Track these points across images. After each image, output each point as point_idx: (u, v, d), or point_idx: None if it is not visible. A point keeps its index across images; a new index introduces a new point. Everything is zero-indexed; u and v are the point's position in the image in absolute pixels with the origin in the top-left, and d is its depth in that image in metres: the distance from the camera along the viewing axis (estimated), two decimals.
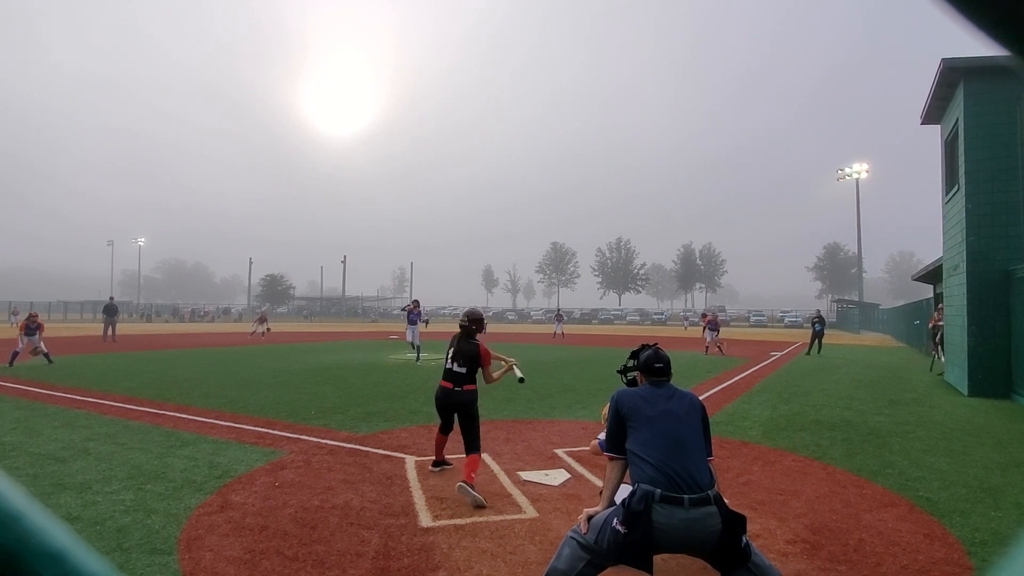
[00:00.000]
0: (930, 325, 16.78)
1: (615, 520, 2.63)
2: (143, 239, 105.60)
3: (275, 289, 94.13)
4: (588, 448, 5.96)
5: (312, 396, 10.05)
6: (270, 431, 7.17)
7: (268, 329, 30.10)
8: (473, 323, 5.24)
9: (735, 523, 2.56)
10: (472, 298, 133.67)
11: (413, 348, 17.89)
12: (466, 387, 5.06)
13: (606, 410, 4.52)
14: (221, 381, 12.02)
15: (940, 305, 16.66)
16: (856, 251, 70.66)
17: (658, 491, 2.57)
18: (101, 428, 7.25)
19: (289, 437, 6.85)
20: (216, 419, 7.91)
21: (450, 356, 5.18)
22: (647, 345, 3.36)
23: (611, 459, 2.92)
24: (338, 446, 6.44)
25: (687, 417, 2.83)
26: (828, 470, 5.72)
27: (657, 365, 3.09)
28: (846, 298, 74.01)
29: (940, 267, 15.39)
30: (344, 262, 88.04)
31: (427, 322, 29.98)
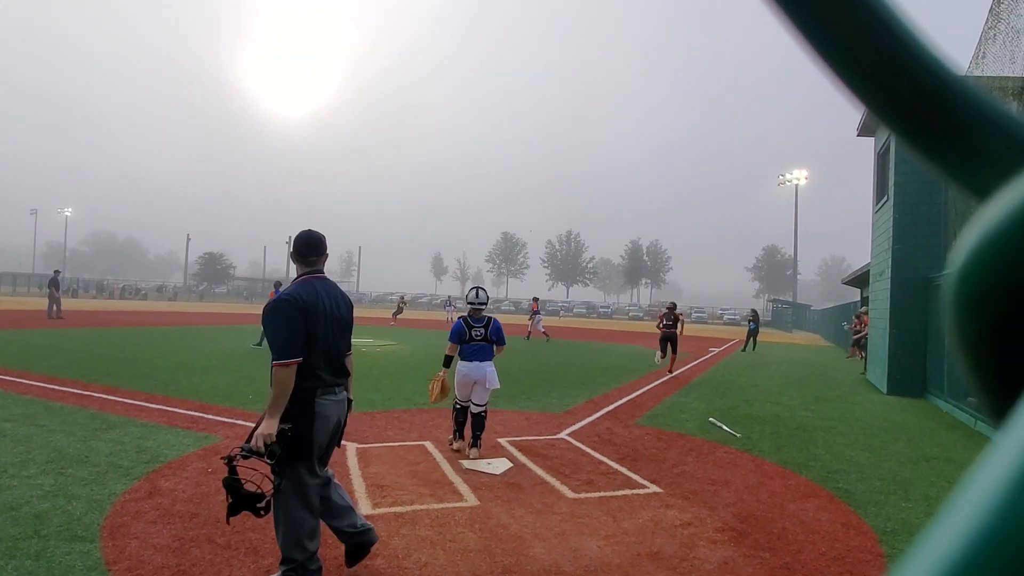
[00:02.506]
0: (850, 328, 17.24)
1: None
2: (69, 209, 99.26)
3: (214, 268, 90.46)
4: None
5: (250, 380, 9.75)
6: (204, 415, 6.91)
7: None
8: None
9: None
10: (421, 285, 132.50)
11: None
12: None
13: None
14: (152, 362, 11.49)
15: (863, 308, 17.53)
16: (792, 254, 74.03)
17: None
18: (19, 408, 6.81)
19: (224, 422, 6.63)
20: (146, 402, 7.56)
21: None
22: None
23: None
24: None
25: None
26: (757, 462, 5.99)
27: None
28: (781, 298, 77.43)
29: (868, 272, 16.32)
30: (289, 243, 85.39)
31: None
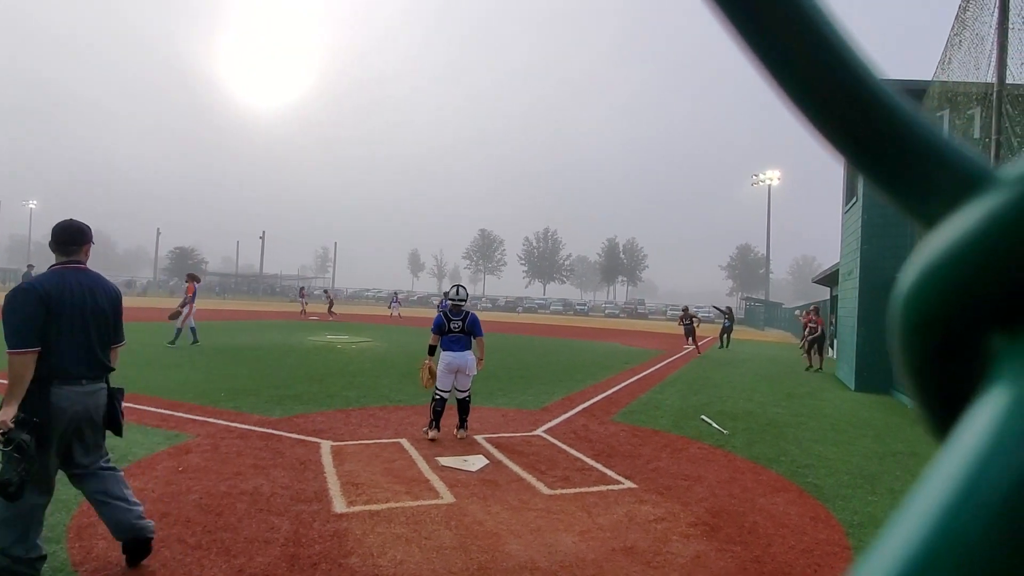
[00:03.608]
0: (804, 326, 16.71)
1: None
2: (34, 202, 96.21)
3: (185, 263, 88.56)
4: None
5: (222, 377, 9.58)
6: (174, 413, 6.78)
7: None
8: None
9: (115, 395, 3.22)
10: (397, 282, 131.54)
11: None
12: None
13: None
14: (120, 359, 11.20)
15: (813, 307, 17.75)
16: (765, 253, 75.40)
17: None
18: None
19: (195, 420, 6.51)
20: None
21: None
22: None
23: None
24: (249, 430, 6.19)
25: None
26: (729, 457, 6.10)
27: None
28: (754, 296, 78.82)
29: (837, 272, 16.69)
30: (263, 238, 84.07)
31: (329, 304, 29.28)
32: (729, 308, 24.64)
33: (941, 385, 0.22)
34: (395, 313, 35.66)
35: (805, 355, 15.97)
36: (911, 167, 0.24)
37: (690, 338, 20.50)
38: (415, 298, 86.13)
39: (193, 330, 14.08)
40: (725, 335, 23.51)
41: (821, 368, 15.53)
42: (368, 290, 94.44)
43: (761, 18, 0.23)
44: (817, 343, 15.89)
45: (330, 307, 32.07)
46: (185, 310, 13.90)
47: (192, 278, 14.50)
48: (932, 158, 0.23)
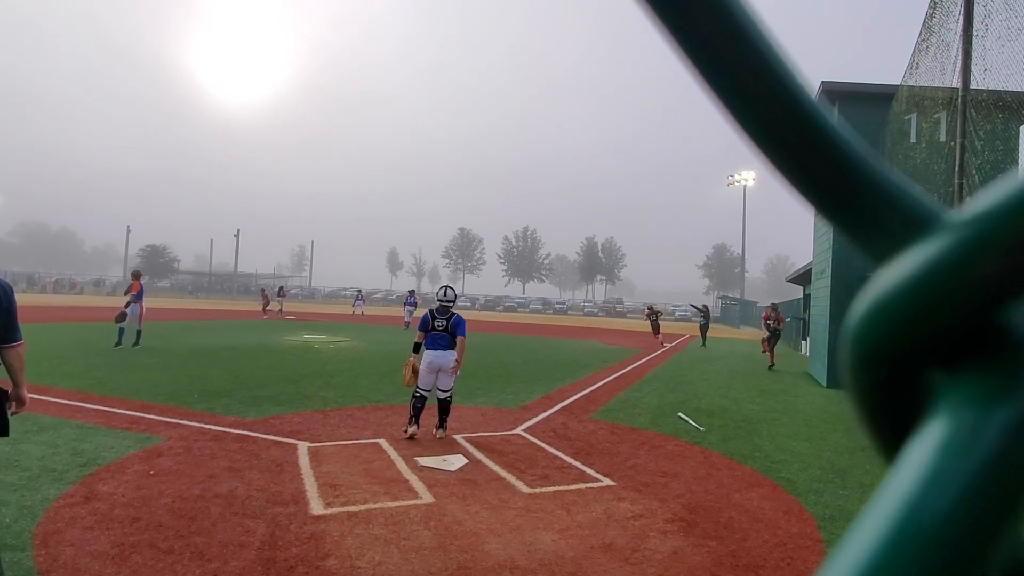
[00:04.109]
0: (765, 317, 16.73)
1: None
2: None
3: (156, 261, 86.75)
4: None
5: (196, 378, 9.42)
6: (145, 415, 6.64)
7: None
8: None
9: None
10: (376, 280, 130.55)
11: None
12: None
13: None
14: (88, 360, 10.95)
15: (772, 304, 17.94)
16: (740, 252, 76.52)
17: None
18: None
19: (167, 422, 6.39)
20: (82, 402, 7.20)
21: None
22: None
23: None
24: (223, 432, 6.09)
25: None
26: (705, 454, 6.19)
27: None
28: (729, 295, 79.98)
29: (810, 270, 17.02)
30: (237, 236, 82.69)
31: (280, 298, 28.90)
32: (705, 306, 24.90)
33: (886, 414, 0.23)
34: (358, 311, 35.32)
35: (768, 353, 15.88)
36: (862, 206, 0.25)
37: (658, 333, 23.30)
38: (393, 297, 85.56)
39: (138, 332, 13.31)
40: (702, 333, 23.78)
41: (773, 364, 15.47)
42: (346, 289, 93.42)
43: (706, 42, 0.24)
44: (773, 340, 15.90)
45: (265, 306, 31.04)
46: (129, 310, 13.19)
47: (136, 276, 13.85)
48: (883, 198, 0.25)
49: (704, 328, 23.75)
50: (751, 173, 65.12)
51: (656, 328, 23.42)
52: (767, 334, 16.04)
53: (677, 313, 77.95)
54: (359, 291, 41.99)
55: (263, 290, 33.16)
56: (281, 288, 33.28)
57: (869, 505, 0.18)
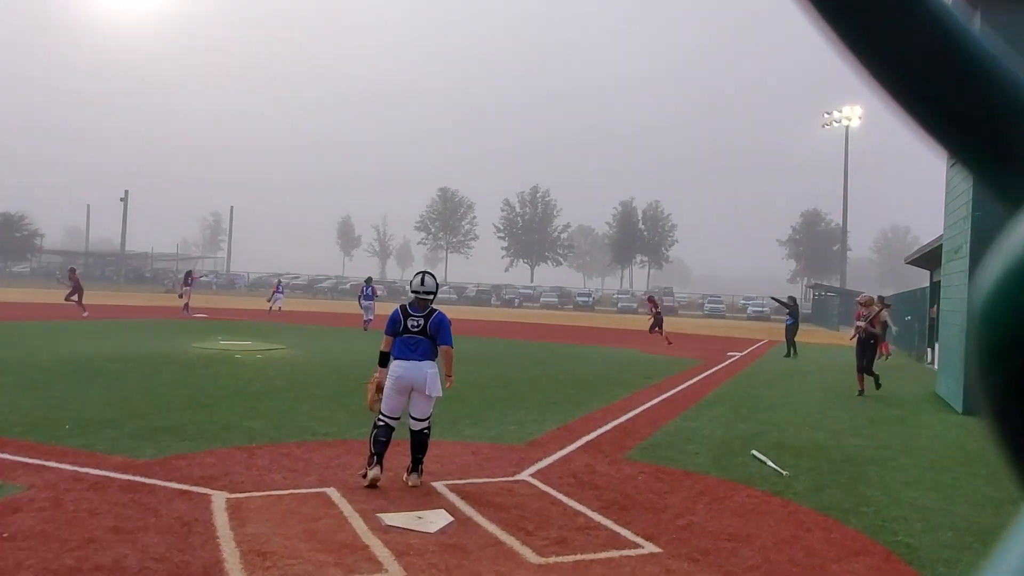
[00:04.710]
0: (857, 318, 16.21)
1: None
2: None
3: (11, 237, 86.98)
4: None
5: (67, 402, 9.45)
6: None
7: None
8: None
9: None
10: (321, 263, 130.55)
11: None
12: None
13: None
14: None
15: (879, 298, 17.53)
16: (840, 222, 76.36)
17: None
18: None
19: (27, 464, 6.41)
20: None
21: None
22: None
23: None
24: (106, 477, 6.11)
25: None
26: (790, 508, 6.18)
27: None
28: (825, 283, 79.89)
29: (939, 248, 16.97)
30: (125, 200, 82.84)
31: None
32: (793, 299, 24.77)
33: None
34: (275, 307, 34.98)
35: (883, 356, 15.43)
36: (1013, 146, 0.25)
37: (658, 328, 26.47)
38: (347, 286, 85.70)
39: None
40: (787, 338, 23.57)
41: (863, 391, 14.72)
42: (279, 275, 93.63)
43: None
44: (869, 352, 15.12)
45: (184, 299, 30.95)
46: None
47: None
48: None
49: (792, 330, 23.68)
50: (855, 109, 64.79)
51: (659, 324, 26.67)
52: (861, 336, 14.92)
53: (750, 310, 78.19)
54: (279, 279, 41.87)
55: (190, 273, 32.98)
56: (189, 273, 33.15)
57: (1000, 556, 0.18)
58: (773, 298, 29.95)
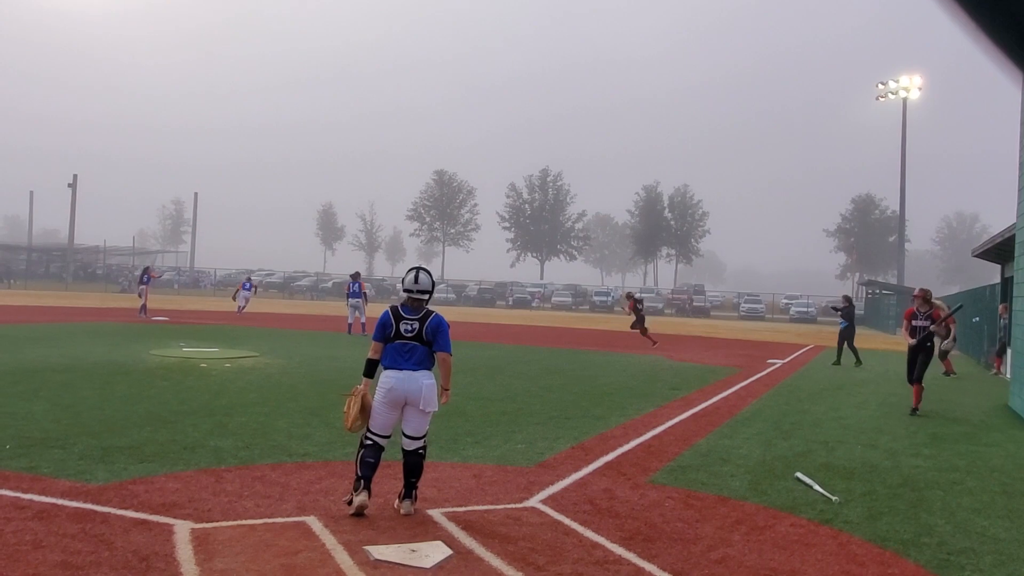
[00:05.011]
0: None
1: None
2: None
3: None
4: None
5: (7, 418, 9.49)
6: None
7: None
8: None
9: None
10: (299, 258, 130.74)
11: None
12: None
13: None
14: None
15: (921, 291, 16.50)
16: (897, 209, 76.02)
17: None
18: None
19: None
20: None
21: None
22: None
23: None
24: (53, 504, 6.13)
25: None
26: (840, 539, 6.16)
27: None
28: (879, 280, 79.59)
29: (1012, 239, 16.87)
30: (74, 186, 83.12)
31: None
32: (848, 299, 24.62)
33: None
34: (240, 305, 34.94)
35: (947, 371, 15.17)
36: None
37: (640, 328, 28.27)
38: (328, 284, 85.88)
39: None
40: (845, 343, 23.28)
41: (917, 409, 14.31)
42: (251, 271, 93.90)
43: None
44: (925, 357, 14.69)
45: (142, 302, 30.71)
46: None
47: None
48: None
49: (848, 335, 23.45)
50: (914, 78, 64.55)
51: (640, 322, 28.43)
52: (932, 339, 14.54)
53: (793, 310, 78.03)
54: (249, 275, 42.01)
55: (147, 270, 32.73)
56: (146, 270, 33.11)
57: None
58: (832, 307, 29.48)
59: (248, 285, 37.51)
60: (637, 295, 31.39)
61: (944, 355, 20.93)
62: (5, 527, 5.57)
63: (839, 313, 24.21)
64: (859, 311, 67.16)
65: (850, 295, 26.67)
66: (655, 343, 27.13)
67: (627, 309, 29.97)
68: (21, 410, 10.10)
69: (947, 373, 20.62)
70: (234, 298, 35.81)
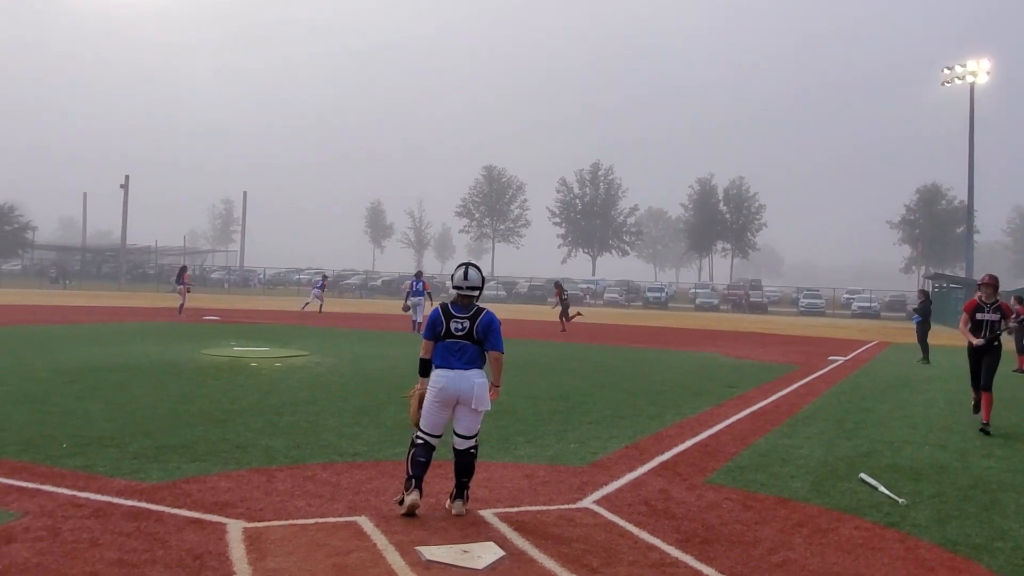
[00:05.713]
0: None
1: None
2: None
3: (0, 230, 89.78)
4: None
5: (65, 417, 9.70)
6: None
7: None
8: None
9: None
10: (349, 257, 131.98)
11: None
12: None
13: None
14: None
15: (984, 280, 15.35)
16: (966, 199, 74.23)
17: None
18: None
19: (21, 488, 6.58)
20: None
21: None
22: None
23: None
24: (109, 503, 6.24)
25: None
26: (908, 543, 6.03)
27: None
28: (947, 273, 77.79)
29: None
30: (126, 187, 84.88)
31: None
32: (925, 293, 24.08)
33: None
34: (314, 305, 36.14)
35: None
36: None
37: (564, 316, 31.54)
38: (377, 282, 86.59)
39: None
40: (920, 339, 22.80)
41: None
42: (301, 270, 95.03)
43: None
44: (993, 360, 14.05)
45: (182, 302, 31.36)
46: None
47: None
48: None
49: (924, 329, 22.89)
50: (982, 62, 62.87)
51: (565, 311, 31.69)
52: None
53: (855, 305, 76.74)
54: (324, 276, 42.71)
55: (183, 270, 33.14)
56: (182, 270, 33.39)
57: None
58: (914, 310, 27.82)
59: (321, 283, 38.33)
60: (561, 283, 36.78)
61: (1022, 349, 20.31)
62: (63, 525, 5.70)
63: (917, 308, 23.71)
64: None
65: (927, 290, 25.95)
66: (564, 330, 30.73)
67: (558, 298, 32.77)
68: (78, 409, 10.33)
69: (1019, 370, 20.02)
70: (309, 298, 37.39)
